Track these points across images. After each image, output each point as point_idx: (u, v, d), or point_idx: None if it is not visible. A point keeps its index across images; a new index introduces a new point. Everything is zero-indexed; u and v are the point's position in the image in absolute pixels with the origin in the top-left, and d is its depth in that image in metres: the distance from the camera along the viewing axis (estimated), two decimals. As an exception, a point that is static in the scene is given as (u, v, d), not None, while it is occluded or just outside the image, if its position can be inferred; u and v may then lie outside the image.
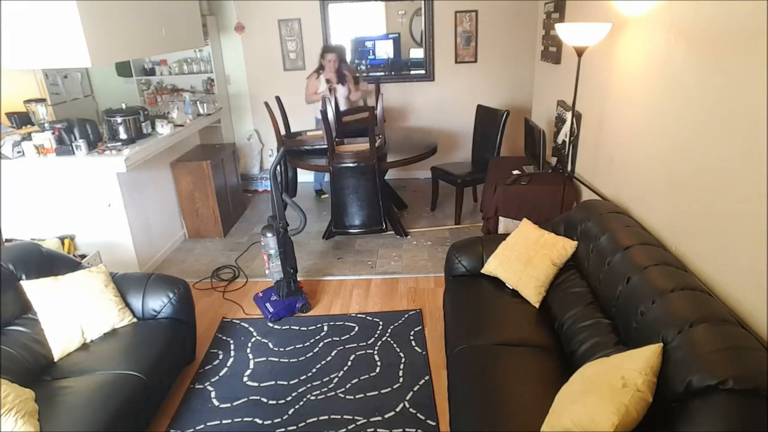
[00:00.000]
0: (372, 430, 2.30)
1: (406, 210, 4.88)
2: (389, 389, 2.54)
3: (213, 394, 2.56)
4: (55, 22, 2.86)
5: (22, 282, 2.39)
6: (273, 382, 2.63)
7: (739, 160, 1.79)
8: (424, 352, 2.81)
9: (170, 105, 4.39)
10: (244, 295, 3.51)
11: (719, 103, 1.91)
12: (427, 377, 2.61)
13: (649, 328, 1.75)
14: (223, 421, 2.39)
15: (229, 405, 2.49)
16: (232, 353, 2.88)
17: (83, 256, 3.44)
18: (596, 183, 3.22)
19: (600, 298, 2.21)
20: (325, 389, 2.56)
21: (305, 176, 5.42)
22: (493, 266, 2.68)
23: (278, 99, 4.47)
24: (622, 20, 2.75)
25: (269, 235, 3.08)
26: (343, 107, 4.78)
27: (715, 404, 1.38)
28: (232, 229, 4.63)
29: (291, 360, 2.80)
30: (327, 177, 4.81)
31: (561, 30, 2.85)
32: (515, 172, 3.70)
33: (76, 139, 3.37)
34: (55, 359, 2.31)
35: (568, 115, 3.54)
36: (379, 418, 2.36)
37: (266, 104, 4.36)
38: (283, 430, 2.32)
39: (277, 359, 2.81)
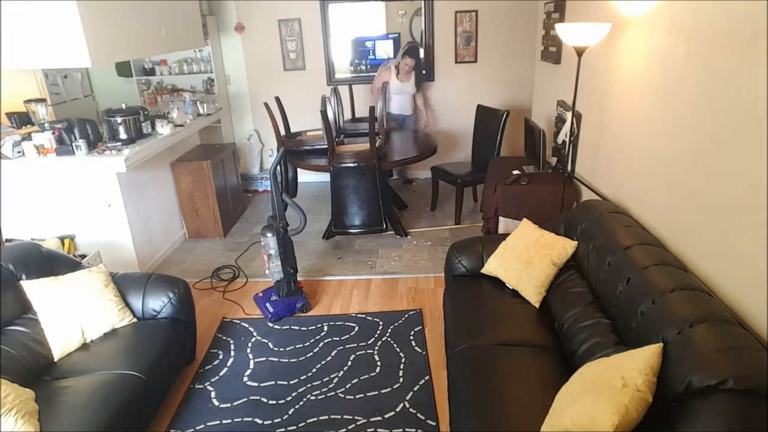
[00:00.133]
0: (372, 430, 2.30)
1: (406, 210, 4.88)
2: (389, 389, 2.54)
3: (213, 394, 2.56)
4: (55, 22, 2.86)
5: (22, 282, 2.39)
6: (273, 382, 2.63)
7: (739, 160, 1.79)
8: (424, 352, 2.81)
9: (170, 105, 4.39)
10: (244, 295, 3.51)
11: (719, 103, 1.91)
12: (427, 377, 2.61)
13: (649, 328, 1.75)
14: (223, 421, 2.39)
15: (229, 405, 2.49)
16: (232, 353, 2.88)
17: (83, 256, 3.44)
18: (596, 183, 3.22)
19: (600, 298, 2.21)
20: (325, 389, 2.56)
21: (305, 176, 5.42)
22: (493, 266, 2.68)
23: (278, 99, 4.47)
24: (622, 20, 2.75)
25: (269, 235, 3.08)
26: (396, 110, 5.04)
27: (715, 404, 1.38)
28: (232, 229, 4.63)
29: (291, 360, 2.80)
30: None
31: (561, 30, 2.85)
32: (515, 172, 3.70)
33: (76, 139, 3.37)
34: (55, 359, 2.31)
35: (568, 115, 3.54)
36: (379, 418, 2.36)
37: (266, 105, 4.36)
38: (283, 430, 2.32)
39: (277, 359, 2.81)
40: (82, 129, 3.43)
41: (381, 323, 3.09)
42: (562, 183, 3.41)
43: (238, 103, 5.69)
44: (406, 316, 3.15)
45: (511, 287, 2.59)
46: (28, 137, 3.39)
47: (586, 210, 2.66)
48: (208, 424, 2.38)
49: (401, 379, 2.61)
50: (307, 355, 2.83)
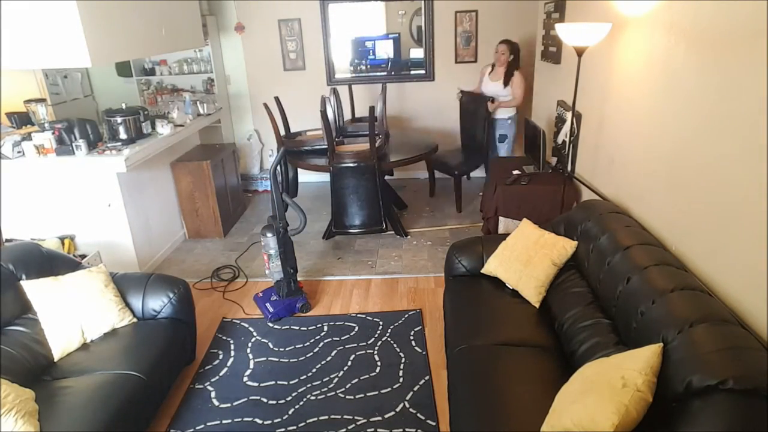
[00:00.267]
0: (372, 430, 2.30)
1: (406, 210, 4.88)
2: (389, 389, 2.54)
3: (213, 394, 2.56)
4: (55, 22, 2.86)
5: (22, 282, 2.39)
6: (273, 382, 2.63)
7: (739, 160, 1.79)
8: (424, 352, 2.81)
9: (170, 105, 4.39)
10: (244, 295, 3.51)
11: (719, 103, 1.91)
12: (427, 377, 2.61)
13: (649, 328, 1.75)
14: (223, 421, 2.39)
15: (229, 405, 2.49)
16: (232, 353, 2.88)
17: (83, 256, 3.44)
18: (596, 183, 3.22)
19: (600, 298, 2.21)
20: (325, 389, 2.56)
21: (305, 176, 5.42)
22: (493, 266, 2.68)
23: (277, 99, 4.47)
24: (622, 20, 2.75)
25: (269, 235, 3.08)
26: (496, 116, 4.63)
27: (715, 404, 1.38)
28: (232, 229, 4.63)
29: (291, 360, 2.80)
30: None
31: (561, 30, 2.85)
32: (515, 172, 3.70)
33: (76, 139, 3.37)
34: (55, 359, 2.31)
35: (568, 115, 3.54)
36: (379, 418, 2.36)
37: (265, 105, 4.36)
38: (283, 430, 2.32)
39: (277, 359, 2.81)
40: (82, 129, 3.43)
41: (381, 323, 3.09)
42: (562, 183, 3.41)
43: (238, 103, 5.69)
44: (406, 316, 3.15)
45: (511, 287, 2.59)
46: (28, 137, 3.39)
47: (586, 210, 2.66)
48: (208, 424, 2.38)
49: (401, 379, 2.61)
50: (307, 355, 2.83)
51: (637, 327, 1.83)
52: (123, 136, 3.56)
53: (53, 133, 3.38)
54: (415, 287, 3.52)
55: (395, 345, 2.88)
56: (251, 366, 2.77)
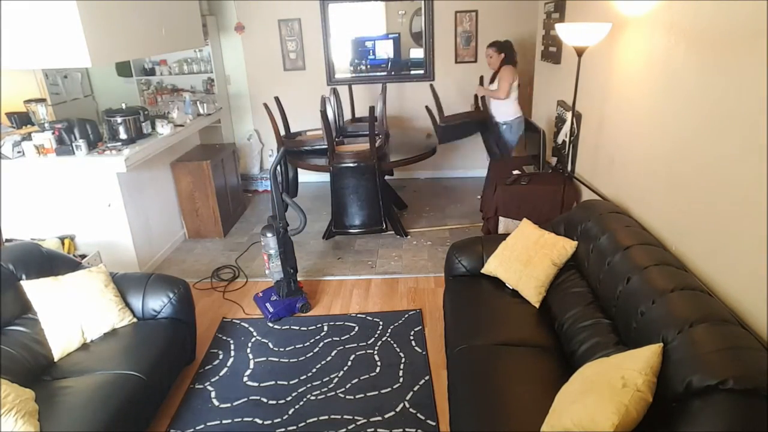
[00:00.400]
0: (372, 430, 2.30)
1: (406, 210, 4.88)
2: (389, 389, 2.54)
3: (213, 394, 2.56)
4: (55, 22, 2.86)
5: (22, 282, 2.39)
6: (273, 382, 2.63)
7: (739, 160, 1.79)
8: (424, 352, 2.81)
9: (170, 105, 4.40)
10: (244, 295, 3.51)
11: (719, 103, 1.91)
12: (427, 377, 2.61)
13: (649, 328, 1.75)
14: (223, 421, 2.39)
15: (229, 405, 2.49)
16: (232, 353, 2.88)
17: (83, 256, 3.44)
18: (596, 183, 3.22)
19: (600, 298, 2.21)
20: (325, 389, 2.56)
21: (305, 176, 5.42)
22: (493, 266, 2.68)
23: (277, 99, 4.47)
24: (622, 20, 2.75)
25: (269, 235, 3.08)
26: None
27: (715, 404, 1.38)
28: (232, 229, 4.63)
29: (291, 360, 2.80)
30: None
31: (561, 30, 2.85)
32: (515, 172, 3.70)
33: (76, 139, 3.37)
34: (55, 359, 2.31)
35: (568, 115, 3.54)
36: (379, 418, 2.36)
37: (265, 106, 4.36)
38: (283, 430, 2.32)
39: (277, 359, 2.81)
40: (82, 129, 3.43)
41: (381, 323, 3.09)
42: (562, 183, 3.41)
43: (238, 103, 5.69)
44: (406, 316, 3.15)
45: (511, 287, 2.59)
46: (28, 137, 3.39)
47: (586, 210, 2.66)
48: (208, 424, 2.38)
49: (401, 379, 2.61)
50: (307, 355, 2.83)
51: (637, 327, 1.83)
52: (123, 136, 3.56)
53: (53, 133, 3.38)
54: (415, 287, 3.52)
55: (395, 345, 2.88)
56: (251, 366, 2.77)
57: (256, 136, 5.77)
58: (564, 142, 3.66)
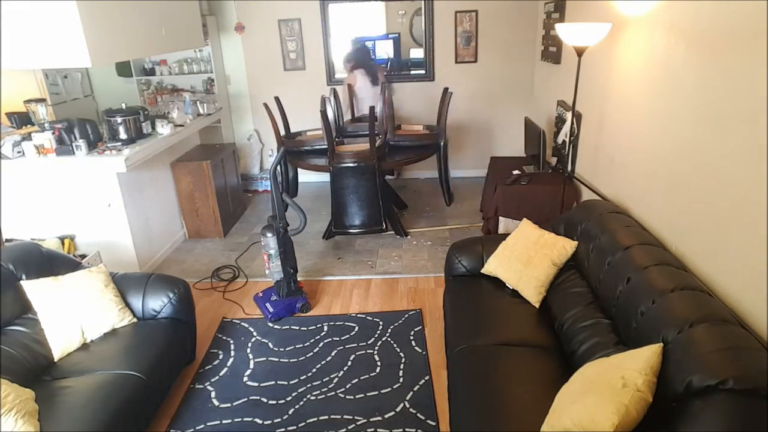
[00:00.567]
0: (372, 430, 2.30)
1: (406, 210, 4.88)
2: (389, 389, 2.54)
3: (213, 394, 2.56)
4: (55, 22, 2.86)
5: (22, 282, 2.39)
6: (273, 382, 2.63)
7: (739, 160, 1.79)
8: (424, 352, 2.81)
9: (170, 105, 4.39)
10: (244, 295, 3.51)
11: (719, 103, 1.91)
12: (427, 377, 2.61)
13: (649, 328, 1.75)
14: (223, 421, 2.39)
15: (229, 405, 2.49)
16: (232, 353, 2.88)
17: (83, 256, 3.44)
18: (596, 183, 3.22)
19: (600, 298, 2.21)
20: (325, 389, 2.56)
21: (305, 176, 5.42)
22: (493, 266, 2.68)
23: (277, 99, 4.47)
24: (622, 20, 2.75)
25: (269, 235, 3.08)
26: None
27: (715, 404, 1.38)
28: (232, 229, 4.63)
29: (291, 360, 2.80)
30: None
31: (561, 30, 2.85)
32: (515, 172, 3.70)
33: (76, 139, 3.37)
34: (55, 359, 2.31)
35: (568, 115, 3.54)
36: (379, 418, 2.36)
37: (265, 105, 4.36)
38: (283, 430, 2.32)
39: (277, 359, 2.81)
40: (82, 129, 3.43)
41: (381, 323, 3.09)
42: (562, 183, 3.41)
43: (238, 103, 5.69)
44: (406, 316, 3.15)
45: (511, 287, 2.59)
46: (28, 137, 3.39)
47: (586, 210, 2.66)
48: (208, 424, 2.38)
49: (401, 379, 2.61)
50: (307, 355, 2.83)
51: (637, 327, 1.83)
52: (123, 136, 3.56)
53: (53, 133, 3.38)
54: (415, 287, 3.52)
55: (395, 345, 2.88)
56: (251, 366, 2.77)
57: (256, 136, 5.77)
58: (564, 142, 3.66)
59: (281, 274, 3.16)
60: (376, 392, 2.52)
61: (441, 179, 4.74)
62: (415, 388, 2.53)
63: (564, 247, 2.53)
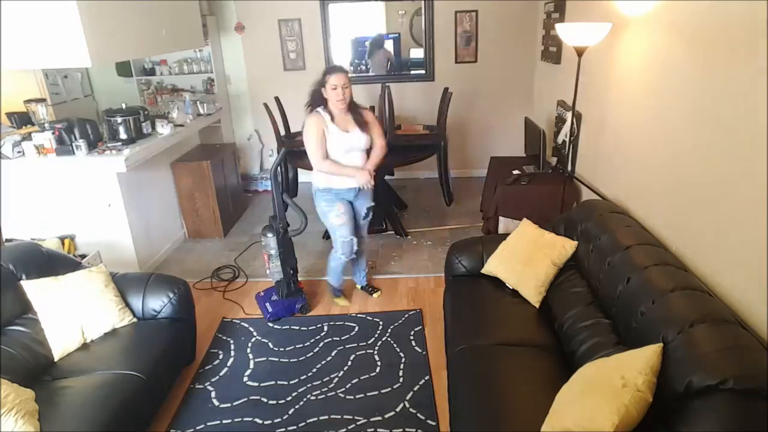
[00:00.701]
0: (372, 430, 2.29)
1: (406, 210, 4.88)
2: (389, 389, 2.54)
3: (213, 394, 2.56)
4: (55, 22, 2.86)
5: (22, 282, 2.39)
6: (273, 382, 2.62)
7: (739, 159, 1.79)
8: (424, 352, 2.81)
9: (170, 105, 4.39)
10: (244, 295, 3.51)
11: (719, 103, 1.91)
12: (427, 377, 2.61)
13: (649, 328, 1.75)
14: (223, 421, 2.39)
15: (229, 405, 2.49)
16: (232, 353, 2.88)
17: (83, 256, 3.44)
18: (596, 183, 3.22)
19: (600, 298, 2.21)
20: (325, 389, 2.56)
21: (305, 176, 5.41)
22: (493, 266, 2.68)
23: (277, 99, 4.47)
24: (622, 20, 2.75)
25: (270, 235, 3.08)
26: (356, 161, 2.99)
27: (715, 404, 1.38)
28: (232, 229, 4.63)
29: (291, 360, 2.80)
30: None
31: (561, 30, 2.85)
32: (515, 172, 3.70)
33: (76, 139, 3.37)
34: (55, 359, 2.31)
35: (568, 115, 3.54)
36: (379, 418, 2.35)
37: (265, 106, 4.36)
38: (283, 430, 2.32)
39: (277, 359, 2.81)
40: (82, 129, 3.43)
41: (381, 323, 3.09)
42: (562, 183, 3.41)
43: (238, 103, 5.69)
44: (406, 316, 3.15)
45: (511, 287, 2.59)
46: (28, 137, 3.39)
47: (586, 210, 2.66)
48: (208, 424, 2.38)
49: (401, 379, 2.60)
50: (307, 355, 2.83)
51: (637, 327, 1.83)
52: (123, 136, 3.56)
53: (53, 133, 3.38)
54: (415, 287, 3.51)
55: (395, 345, 2.88)
56: (251, 366, 2.77)
57: (256, 136, 5.77)
58: (564, 142, 3.66)
59: (281, 274, 3.16)
60: (376, 392, 2.52)
61: (441, 179, 4.76)
62: (415, 388, 2.53)
63: (564, 247, 2.53)
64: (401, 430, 2.29)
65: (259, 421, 2.38)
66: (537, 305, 2.47)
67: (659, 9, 2.38)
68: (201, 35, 4.72)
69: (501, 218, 3.60)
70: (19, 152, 3.36)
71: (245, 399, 2.53)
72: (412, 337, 2.94)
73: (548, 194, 3.45)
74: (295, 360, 2.80)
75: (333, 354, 2.83)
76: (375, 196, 3.26)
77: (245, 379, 2.67)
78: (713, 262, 1.96)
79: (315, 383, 2.61)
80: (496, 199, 3.58)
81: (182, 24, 4.27)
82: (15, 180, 3.42)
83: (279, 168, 3.72)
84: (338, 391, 2.54)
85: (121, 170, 3.35)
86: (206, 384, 2.64)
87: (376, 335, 2.98)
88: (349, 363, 2.75)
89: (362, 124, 2.93)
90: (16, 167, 3.36)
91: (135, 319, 2.55)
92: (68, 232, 3.57)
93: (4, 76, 4.32)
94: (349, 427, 2.31)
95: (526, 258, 2.55)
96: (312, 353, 2.84)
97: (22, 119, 3.81)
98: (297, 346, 2.91)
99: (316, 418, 2.37)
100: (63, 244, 3.48)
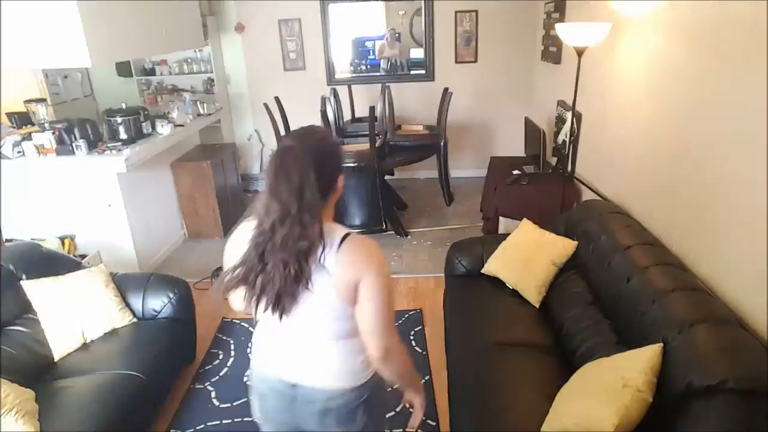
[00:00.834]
0: (372, 430, 2.29)
1: (406, 210, 4.88)
2: (389, 389, 2.53)
3: (213, 394, 2.56)
4: (55, 22, 2.86)
5: (22, 282, 2.39)
6: (273, 382, 2.62)
7: (740, 159, 1.79)
8: (424, 352, 2.81)
9: (170, 105, 4.39)
10: (244, 295, 3.51)
11: (719, 103, 1.91)
12: (427, 377, 2.61)
13: (649, 328, 1.75)
14: (223, 421, 2.39)
15: (229, 405, 2.49)
16: (232, 353, 2.88)
17: (83, 256, 3.44)
18: (596, 183, 3.22)
19: (600, 298, 2.21)
20: (325, 389, 2.56)
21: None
22: (493, 266, 2.68)
23: (277, 99, 4.47)
24: (622, 20, 2.75)
25: None
26: None
27: (715, 404, 1.38)
28: (232, 228, 4.63)
29: (291, 360, 2.79)
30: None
31: (561, 30, 2.85)
32: (515, 172, 3.70)
33: (76, 139, 3.37)
34: (55, 359, 2.31)
35: (568, 115, 3.54)
36: (379, 418, 2.35)
37: (265, 106, 4.36)
38: (283, 430, 2.32)
39: (277, 359, 2.81)
40: (82, 129, 3.43)
41: (381, 323, 3.08)
42: (562, 183, 3.41)
43: (238, 103, 5.69)
44: (406, 316, 3.15)
45: (511, 287, 2.59)
46: (28, 137, 3.38)
47: (586, 210, 2.66)
48: (208, 424, 2.38)
49: (401, 379, 2.60)
50: (307, 355, 2.82)
51: (637, 327, 1.83)
52: (123, 136, 3.56)
53: (53, 133, 3.38)
54: (415, 287, 3.51)
55: (395, 345, 2.88)
56: (251, 366, 2.76)
57: (256, 136, 5.76)
58: (564, 142, 3.66)
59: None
60: (376, 392, 2.52)
61: (441, 179, 4.76)
62: (415, 388, 2.53)
63: (564, 247, 2.53)
64: (401, 430, 2.29)
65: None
66: (537, 305, 2.47)
67: (659, 9, 2.38)
68: (201, 35, 4.72)
69: (501, 218, 3.60)
70: (19, 152, 3.36)
71: (245, 399, 2.52)
72: (412, 337, 2.94)
73: (548, 194, 3.45)
74: (295, 360, 2.79)
75: (333, 354, 2.82)
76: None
77: (245, 379, 2.66)
78: (713, 262, 1.96)
79: (315, 383, 2.60)
80: (496, 199, 3.58)
81: (182, 24, 4.27)
82: (15, 180, 3.42)
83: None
84: (338, 391, 2.54)
85: (121, 170, 3.35)
86: (206, 384, 2.64)
87: (376, 335, 2.97)
88: (349, 363, 2.75)
89: None
90: (16, 167, 3.36)
91: (135, 319, 2.55)
92: (68, 232, 3.57)
93: (4, 76, 4.32)
94: (349, 427, 2.31)
95: (526, 258, 2.55)
96: (312, 353, 2.84)
97: (22, 119, 3.81)
98: (297, 346, 2.91)
99: (316, 418, 2.37)
100: (63, 244, 3.48)
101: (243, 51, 5.44)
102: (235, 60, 5.51)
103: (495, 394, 1.91)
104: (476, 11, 5.17)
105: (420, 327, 3.03)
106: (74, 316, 2.37)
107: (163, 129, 3.85)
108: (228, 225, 4.56)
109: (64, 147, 3.38)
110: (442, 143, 4.51)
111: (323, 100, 4.08)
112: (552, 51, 4.36)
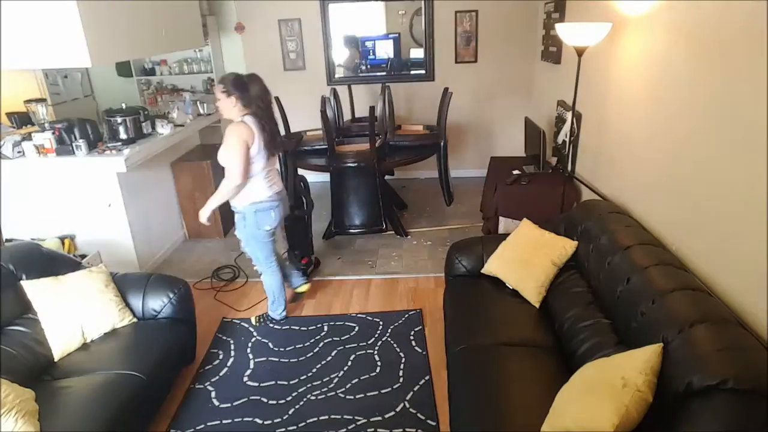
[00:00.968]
0: (372, 430, 2.29)
1: (406, 210, 4.88)
2: (389, 389, 2.54)
3: (213, 394, 2.56)
4: (55, 22, 2.86)
5: (22, 282, 2.39)
6: (273, 382, 2.62)
7: (739, 159, 1.79)
8: (424, 352, 2.81)
9: (170, 105, 4.39)
10: (243, 295, 3.51)
11: (719, 103, 1.91)
12: (427, 377, 2.61)
13: (649, 328, 1.75)
14: (224, 421, 2.39)
15: (229, 405, 2.49)
16: (232, 353, 2.88)
17: (83, 256, 3.44)
18: (596, 183, 3.22)
19: (600, 298, 2.21)
20: (325, 389, 2.56)
21: (305, 176, 5.41)
22: (493, 266, 2.68)
23: (277, 99, 4.46)
24: (622, 20, 2.75)
25: None
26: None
27: (715, 404, 1.38)
28: (232, 228, 4.62)
29: (291, 360, 2.80)
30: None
31: (561, 30, 2.85)
32: (515, 172, 3.70)
33: (76, 139, 3.37)
34: (55, 359, 2.31)
35: (568, 115, 3.54)
36: (379, 418, 2.35)
37: (266, 104, 4.36)
38: (283, 430, 2.32)
39: (277, 359, 2.81)
40: (82, 129, 3.43)
41: (381, 323, 3.09)
42: (562, 183, 3.41)
43: (238, 103, 5.68)
44: (406, 316, 3.15)
45: (511, 287, 2.59)
46: (28, 137, 3.39)
47: (586, 210, 2.66)
48: (208, 424, 2.38)
49: (401, 379, 2.60)
50: (307, 355, 2.83)
51: (637, 327, 1.83)
52: (123, 136, 3.56)
53: (53, 133, 3.38)
54: (415, 287, 3.51)
55: (395, 345, 2.88)
56: (251, 366, 2.77)
57: (256, 136, 5.75)
58: (564, 142, 3.66)
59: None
60: (376, 392, 2.52)
61: (441, 179, 4.76)
62: (415, 388, 2.53)
63: (564, 247, 2.53)
64: (401, 430, 2.29)
65: (259, 421, 2.38)
66: (537, 305, 2.47)
67: (659, 9, 2.38)
68: (201, 35, 4.72)
69: (501, 218, 3.60)
70: (19, 152, 3.36)
71: (245, 399, 2.53)
72: (412, 337, 2.94)
73: (548, 194, 3.45)
74: (295, 360, 2.80)
75: (333, 354, 2.83)
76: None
77: (245, 379, 2.67)
78: (713, 262, 1.96)
79: (315, 383, 2.61)
80: (496, 199, 3.58)
81: (182, 24, 4.27)
82: (15, 180, 3.42)
83: (279, 168, 3.72)
84: (338, 391, 2.54)
85: (121, 170, 3.35)
86: (206, 384, 2.64)
87: (376, 335, 2.98)
88: (349, 363, 2.75)
89: None
90: (16, 167, 3.36)
91: (135, 319, 2.55)
92: (68, 232, 3.57)
93: (4, 76, 4.32)
94: (349, 427, 2.31)
95: (526, 258, 2.55)
96: (312, 353, 2.84)
97: (22, 119, 3.81)
98: (297, 346, 2.91)
99: (316, 418, 2.37)
100: (63, 244, 3.48)
101: (243, 51, 5.44)
102: (235, 60, 5.51)
103: (495, 394, 1.91)
104: (476, 11, 5.17)
105: (420, 327, 3.03)
106: (74, 316, 2.37)
107: (163, 129, 3.85)
108: (228, 225, 4.55)
109: (64, 147, 3.38)
110: (442, 143, 4.51)
111: (323, 100, 4.08)
112: (552, 51, 4.36)
